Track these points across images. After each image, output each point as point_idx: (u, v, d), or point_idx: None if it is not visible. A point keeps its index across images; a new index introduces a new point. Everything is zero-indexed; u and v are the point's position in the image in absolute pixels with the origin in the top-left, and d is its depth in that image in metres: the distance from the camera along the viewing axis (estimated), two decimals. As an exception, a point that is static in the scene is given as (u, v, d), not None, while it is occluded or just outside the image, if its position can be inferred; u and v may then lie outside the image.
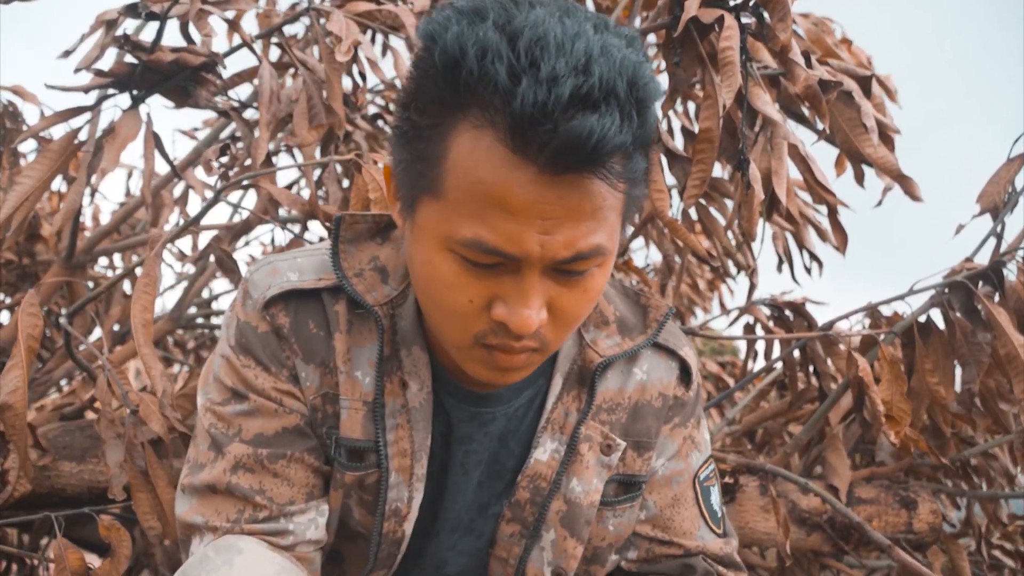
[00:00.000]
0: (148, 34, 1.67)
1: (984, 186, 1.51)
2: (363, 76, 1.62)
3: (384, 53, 1.85)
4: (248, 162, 1.55)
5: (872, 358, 1.47)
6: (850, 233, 1.60)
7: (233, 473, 0.81)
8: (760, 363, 2.31)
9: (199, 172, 1.73)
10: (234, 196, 2.03)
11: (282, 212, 1.90)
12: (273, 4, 1.87)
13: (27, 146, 1.89)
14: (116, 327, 1.90)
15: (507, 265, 0.69)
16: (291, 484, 0.83)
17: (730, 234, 1.68)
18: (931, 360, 1.46)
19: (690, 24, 1.29)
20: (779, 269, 1.84)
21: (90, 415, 1.55)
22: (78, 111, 1.37)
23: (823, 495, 1.43)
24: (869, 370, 1.42)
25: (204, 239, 2.31)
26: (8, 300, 1.96)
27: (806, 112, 1.50)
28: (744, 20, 1.31)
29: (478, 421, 0.88)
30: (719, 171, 1.65)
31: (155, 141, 1.38)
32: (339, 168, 1.55)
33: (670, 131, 1.66)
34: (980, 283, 1.43)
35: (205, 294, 2.33)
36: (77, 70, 1.32)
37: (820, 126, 1.42)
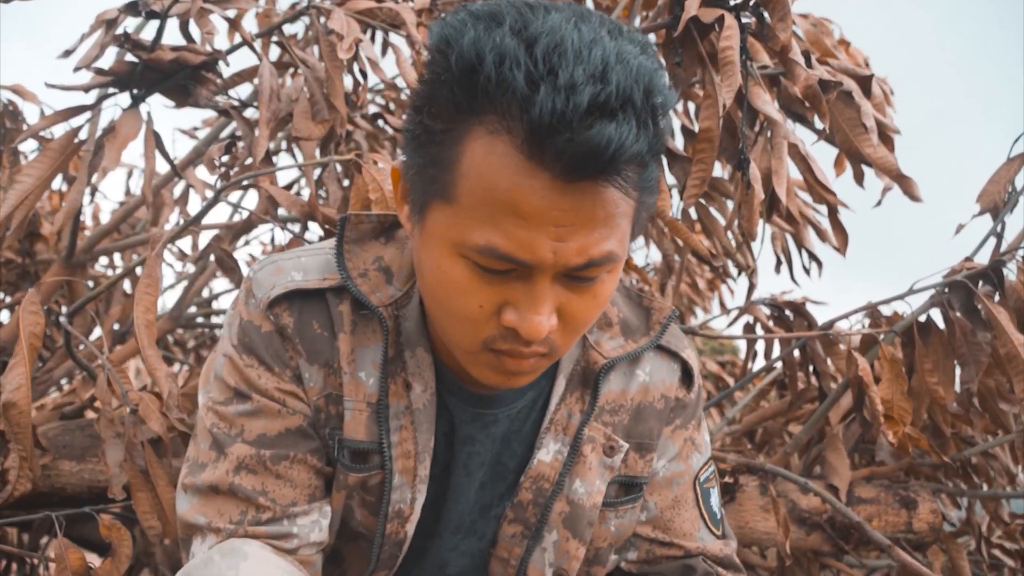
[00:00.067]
0: (148, 33, 1.67)
1: (984, 186, 1.51)
2: (364, 75, 1.62)
3: (384, 51, 1.85)
4: (248, 161, 1.55)
5: (872, 358, 1.47)
6: (850, 233, 1.60)
7: (236, 474, 0.81)
8: (760, 363, 2.31)
9: (199, 171, 1.73)
10: (234, 196, 2.03)
11: (282, 212, 1.90)
12: (273, 3, 1.87)
13: (27, 145, 1.88)
14: (116, 326, 1.90)
15: (518, 271, 0.69)
16: (294, 486, 0.83)
17: (730, 234, 1.68)
18: (931, 360, 1.46)
19: (690, 24, 1.29)
20: (778, 269, 1.84)
21: (90, 414, 1.55)
22: (78, 110, 1.37)
23: (823, 495, 1.43)
24: (869, 370, 1.42)
25: (204, 238, 2.31)
26: (8, 299, 1.96)
27: (806, 112, 1.50)
28: (744, 20, 1.32)
29: (481, 422, 0.88)
30: (719, 171, 1.65)
31: (155, 140, 1.38)
32: (339, 168, 1.55)
33: (670, 131, 1.66)
34: (980, 283, 1.43)
35: (205, 293, 2.33)
36: (77, 69, 1.32)
37: (820, 126, 1.42)
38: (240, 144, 1.72)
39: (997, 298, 1.42)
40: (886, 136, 1.52)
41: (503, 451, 0.90)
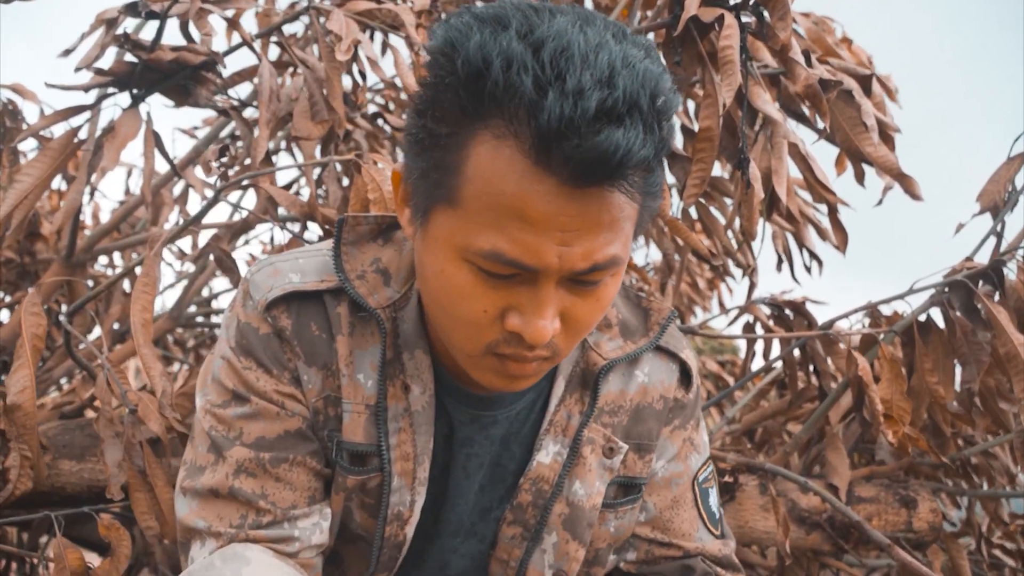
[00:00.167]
0: (148, 33, 1.67)
1: (984, 185, 1.51)
2: (363, 75, 1.62)
3: (384, 52, 1.85)
4: (248, 161, 1.55)
5: (872, 357, 1.47)
6: (850, 232, 1.60)
7: (235, 477, 0.81)
8: (760, 362, 2.31)
9: (199, 171, 1.73)
10: (234, 195, 2.03)
11: (282, 211, 1.90)
12: (273, 3, 1.87)
13: (27, 145, 1.88)
14: (116, 326, 1.90)
15: (523, 276, 0.69)
16: (293, 488, 0.83)
17: (730, 233, 1.68)
18: (931, 359, 1.46)
19: (690, 23, 1.29)
20: (779, 268, 1.84)
21: (90, 414, 1.55)
22: (78, 110, 1.37)
23: (823, 494, 1.43)
24: (869, 369, 1.42)
25: (204, 238, 2.31)
26: (8, 299, 1.96)
27: (806, 111, 1.50)
28: (744, 19, 1.31)
29: (480, 424, 0.88)
30: (719, 170, 1.65)
31: (155, 140, 1.38)
32: (339, 167, 1.55)
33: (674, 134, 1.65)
34: (980, 282, 1.43)
35: (205, 293, 2.33)
36: (77, 69, 1.32)
37: (820, 125, 1.42)
38: (238, 144, 1.72)
39: (997, 298, 1.42)
40: (887, 135, 1.51)
41: (502, 453, 0.90)
